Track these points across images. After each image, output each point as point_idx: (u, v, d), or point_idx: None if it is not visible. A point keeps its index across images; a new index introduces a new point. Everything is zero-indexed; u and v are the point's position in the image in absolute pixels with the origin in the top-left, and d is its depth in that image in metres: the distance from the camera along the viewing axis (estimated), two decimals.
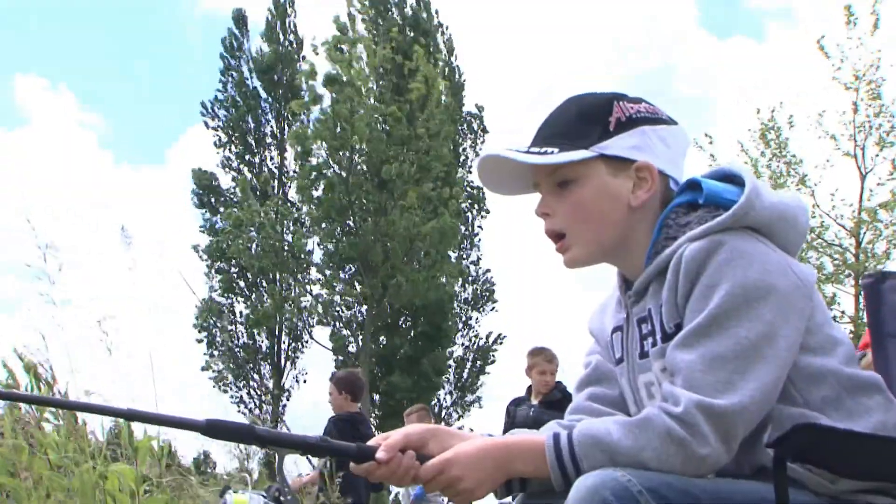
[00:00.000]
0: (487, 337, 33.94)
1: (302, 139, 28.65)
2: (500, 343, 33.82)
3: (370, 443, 1.96)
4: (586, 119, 2.01)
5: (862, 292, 2.47)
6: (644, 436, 1.74)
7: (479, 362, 33.75)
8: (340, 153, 28.65)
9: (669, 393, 1.78)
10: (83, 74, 50.66)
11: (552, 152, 1.98)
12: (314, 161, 29.10)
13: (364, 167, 28.90)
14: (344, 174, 28.81)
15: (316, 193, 29.44)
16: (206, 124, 34.09)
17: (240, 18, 35.11)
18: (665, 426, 1.73)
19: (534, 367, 8.08)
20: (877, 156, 21.09)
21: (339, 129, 27.84)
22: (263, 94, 34.65)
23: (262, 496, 2.73)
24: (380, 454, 1.91)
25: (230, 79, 34.51)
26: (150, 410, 1.95)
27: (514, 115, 45.06)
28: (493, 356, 33.70)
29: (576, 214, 2.01)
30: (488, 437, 2.04)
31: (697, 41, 50.75)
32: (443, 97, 30.54)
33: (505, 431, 7.22)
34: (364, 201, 28.83)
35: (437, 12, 34.54)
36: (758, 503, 1.71)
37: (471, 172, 33.24)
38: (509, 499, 2.10)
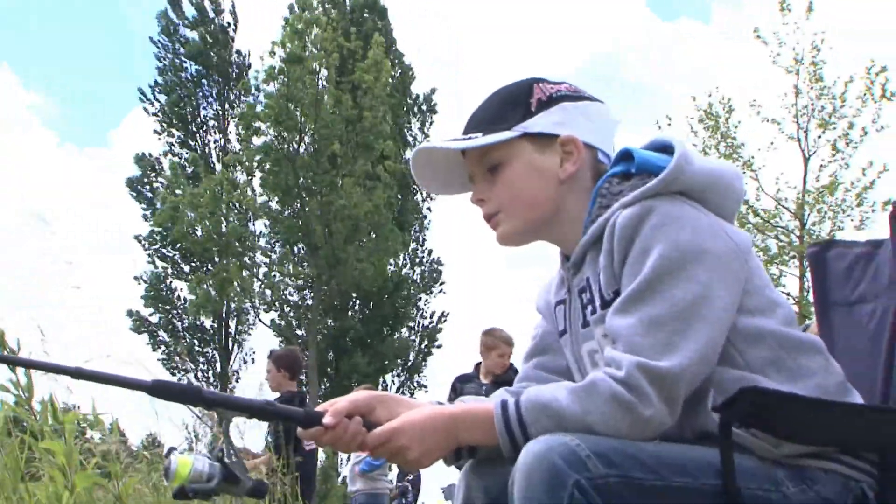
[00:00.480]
0: (431, 316, 34.09)
1: (250, 118, 28.48)
2: (444, 321, 33.99)
3: (318, 408, 1.96)
4: (508, 103, 2.07)
5: (807, 261, 2.48)
6: (590, 400, 1.74)
7: (425, 343, 33.88)
8: (288, 134, 28.50)
9: (611, 358, 1.79)
10: (25, 53, 49.93)
11: (476, 137, 2.04)
12: (260, 141, 28.96)
13: (311, 147, 28.77)
14: (290, 152, 28.67)
15: (260, 175, 29.32)
16: (146, 111, 33.71)
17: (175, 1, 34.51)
18: (610, 390, 1.74)
19: (494, 349, 8.09)
20: (819, 137, 21.31)
21: (290, 108, 27.71)
22: (202, 79, 34.15)
23: (207, 457, 2.71)
24: (327, 419, 1.91)
25: (166, 63, 34.02)
26: (96, 370, 1.92)
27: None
28: (439, 338, 33.89)
29: (506, 193, 2.06)
30: (437, 405, 2.04)
31: (644, 23, 50.93)
32: (390, 80, 30.61)
33: None
34: (309, 181, 28.70)
35: None
36: (703, 467, 1.72)
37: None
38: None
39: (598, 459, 1.64)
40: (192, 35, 33.92)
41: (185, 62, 33.92)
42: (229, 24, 34.45)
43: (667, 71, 46.77)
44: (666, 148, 2.01)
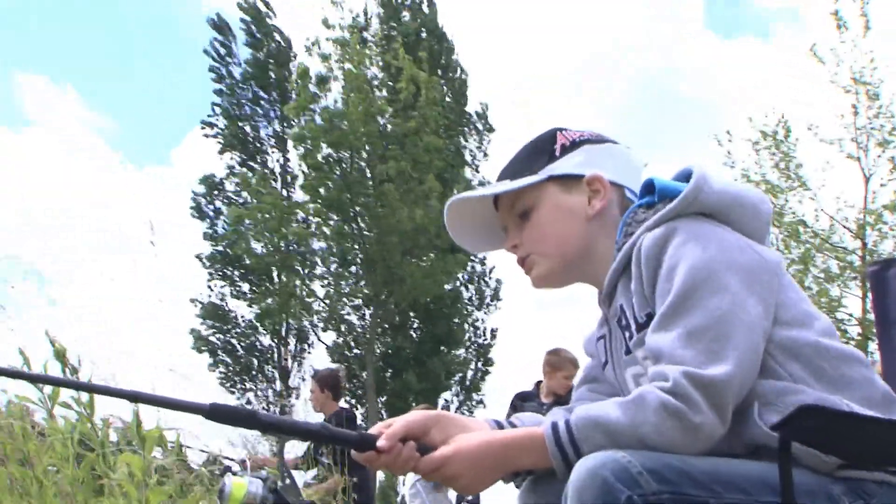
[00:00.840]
0: (484, 332, 34.08)
1: (302, 139, 28.64)
2: (494, 337, 33.95)
3: (372, 430, 1.97)
4: (534, 152, 2.16)
5: (868, 280, 2.47)
6: (640, 412, 1.75)
7: (480, 362, 33.89)
8: (340, 153, 28.66)
9: (657, 372, 1.79)
10: (86, 73, 50.69)
11: (503, 184, 2.14)
12: (316, 159, 29.11)
13: (363, 164, 28.90)
14: (344, 172, 28.80)
15: (322, 191, 29.46)
16: (206, 135, 34.02)
17: (221, 26, 34.49)
18: (659, 399, 1.74)
19: (560, 370, 8.03)
20: (879, 157, 21.04)
21: (338, 127, 27.87)
22: (259, 97, 34.39)
23: (262, 481, 2.74)
24: (381, 443, 1.92)
25: (224, 86, 34.29)
26: (154, 393, 1.95)
27: (520, 114, 45.07)
28: (491, 356, 33.89)
29: (536, 235, 2.12)
30: (493, 424, 2.05)
31: (703, 41, 50.66)
32: (447, 97, 30.70)
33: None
34: (364, 199, 28.81)
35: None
36: (757, 484, 1.71)
37: (478, 171, 33.23)
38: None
39: (650, 476, 1.64)
40: (247, 55, 34.23)
41: (242, 83, 34.17)
42: (283, 43, 34.64)
43: (725, 88, 46.41)
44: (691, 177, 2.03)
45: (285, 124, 33.86)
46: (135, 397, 1.95)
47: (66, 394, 4.17)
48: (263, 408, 32.07)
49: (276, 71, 34.16)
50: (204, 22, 45.59)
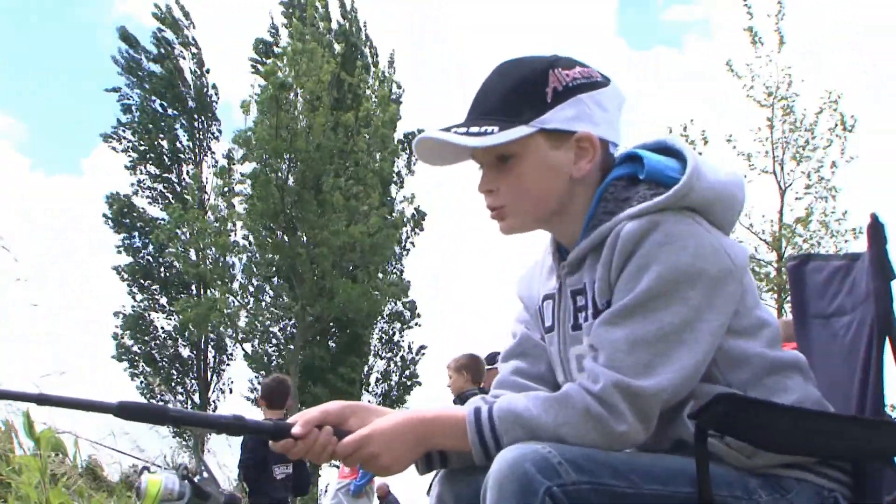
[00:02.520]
0: (410, 348, 33.93)
1: (244, 143, 28.28)
2: (422, 355, 33.84)
3: (289, 420, 1.94)
4: (522, 92, 1.95)
5: (786, 275, 2.48)
6: (563, 412, 1.74)
7: (404, 377, 33.73)
8: (275, 161, 28.35)
9: (590, 370, 1.78)
10: None
11: (491, 131, 1.92)
12: (248, 168, 28.82)
13: (301, 176, 28.59)
14: (279, 182, 28.50)
15: (240, 202, 29.15)
16: (115, 149, 33.51)
17: (127, 36, 33.96)
18: (583, 403, 1.74)
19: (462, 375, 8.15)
20: (792, 171, 21.41)
21: (279, 137, 27.57)
22: (171, 111, 33.94)
23: (178, 475, 2.71)
24: (296, 429, 1.89)
25: (133, 99, 33.75)
26: (60, 395, 1.91)
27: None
28: (416, 370, 33.71)
29: (516, 188, 1.96)
30: (408, 411, 2.02)
31: (614, 50, 51.08)
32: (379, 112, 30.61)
33: None
34: (298, 211, 28.53)
35: (365, 24, 34.35)
36: (676, 475, 1.72)
37: (402, 187, 33.00)
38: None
39: (569, 465, 1.65)
40: (156, 69, 33.71)
41: (152, 97, 33.64)
42: (194, 55, 34.32)
43: (638, 99, 46.88)
44: (669, 150, 1.98)
45: (199, 137, 33.55)
46: (41, 400, 1.91)
47: None
48: None
49: (185, 85, 33.81)
50: (112, 25, 44.87)
